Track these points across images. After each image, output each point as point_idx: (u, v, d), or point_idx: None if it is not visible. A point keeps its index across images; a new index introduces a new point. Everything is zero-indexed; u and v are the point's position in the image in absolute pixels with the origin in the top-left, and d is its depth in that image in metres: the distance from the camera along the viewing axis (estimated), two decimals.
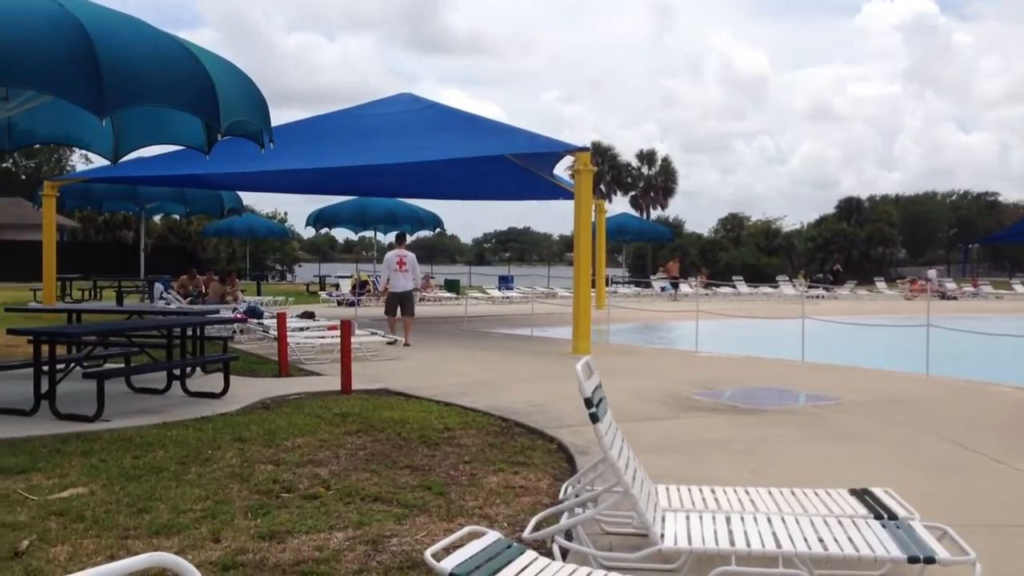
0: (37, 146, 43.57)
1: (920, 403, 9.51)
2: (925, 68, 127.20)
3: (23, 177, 62.36)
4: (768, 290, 38.74)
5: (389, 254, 15.87)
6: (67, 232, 45.04)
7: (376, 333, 13.86)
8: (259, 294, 27.32)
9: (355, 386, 9.67)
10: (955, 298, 37.37)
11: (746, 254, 62.32)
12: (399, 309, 15.22)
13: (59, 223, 26.62)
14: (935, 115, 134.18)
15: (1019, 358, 14.47)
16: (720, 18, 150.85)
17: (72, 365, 9.09)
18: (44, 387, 8.01)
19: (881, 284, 43.63)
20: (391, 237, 41.14)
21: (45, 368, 8.10)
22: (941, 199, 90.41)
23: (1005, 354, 14.91)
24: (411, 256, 15.61)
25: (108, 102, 7.72)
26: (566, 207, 16.09)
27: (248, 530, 4.78)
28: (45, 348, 8.25)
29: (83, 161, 57.34)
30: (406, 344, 14.22)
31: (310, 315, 16.46)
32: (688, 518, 4.30)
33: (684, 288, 36.62)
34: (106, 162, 12.32)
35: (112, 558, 4.32)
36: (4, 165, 59.89)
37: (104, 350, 10.07)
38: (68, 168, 59.75)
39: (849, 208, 73.78)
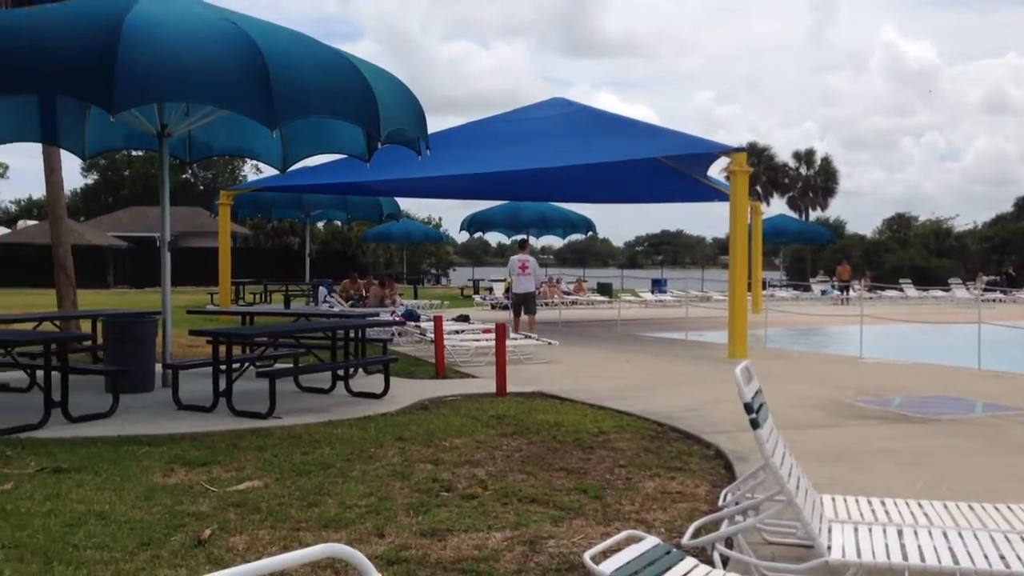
0: (213, 158, 46.31)
1: None
2: None
3: (201, 188, 66.49)
4: (939, 293, 36.68)
5: (512, 258, 17.23)
6: (240, 239, 47.68)
7: (530, 336, 13.99)
8: (416, 298, 28.07)
9: (510, 388, 9.79)
10: None
11: (914, 256, 59.19)
12: (523, 308, 16.61)
13: (232, 230, 28.20)
14: None
15: None
16: (885, 10, 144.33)
17: (246, 365, 9.61)
18: (222, 385, 8.52)
19: None
20: (544, 241, 41.56)
21: (223, 367, 8.61)
22: None
23: None
24: (532, 260, 17.03)
25: (278, 115, 8.14)
26: (720, 209, 15.81)
27: (410, 527, 4.93)
28: (223, 348, 8.77)
29: (254, 171, 60.67)
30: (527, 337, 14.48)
31: (465, 318, 16.78)
32: (856, 530, 4.13)
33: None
34: (275, 172, 13.02)
35: (285, 549, 4.54)
36: (184, 176, 64.01)
37: (274, 351, 10.60)
38: (240, 178, 63.34)
39: None
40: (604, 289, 33.96)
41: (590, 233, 34.28)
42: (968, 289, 36.11)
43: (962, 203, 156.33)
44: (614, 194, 24.77)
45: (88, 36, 7.79)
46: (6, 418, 7.59)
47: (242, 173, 65.34)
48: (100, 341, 10.72)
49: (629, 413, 8.60)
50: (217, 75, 8.08)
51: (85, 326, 12.59)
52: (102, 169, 66.40)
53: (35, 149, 14.28)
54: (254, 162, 49.23)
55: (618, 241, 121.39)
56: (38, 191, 68.97)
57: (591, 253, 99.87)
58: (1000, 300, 33.96)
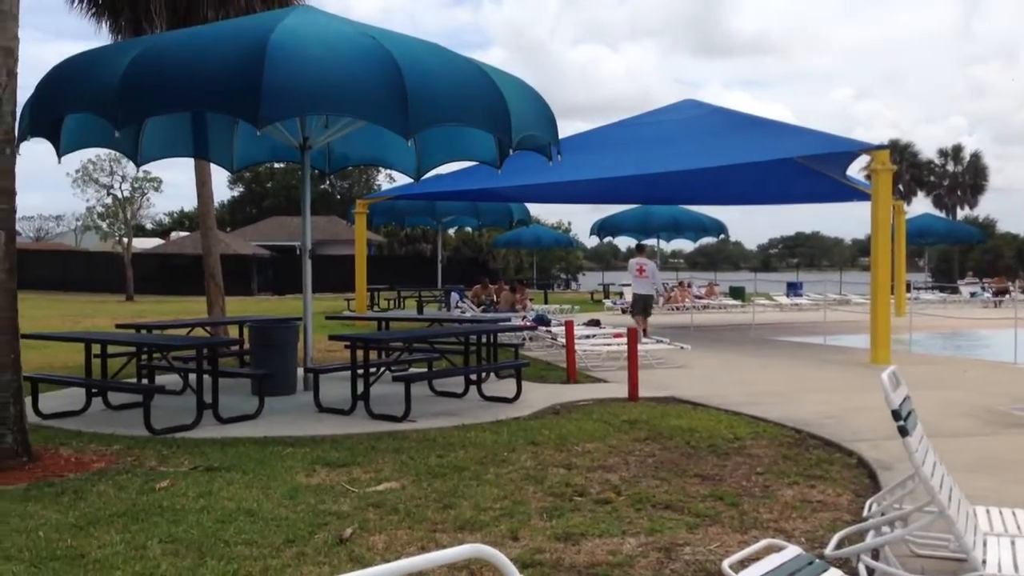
0: (350, 168, 47.78)
1: None
2: None
3: (338, 197, 68.87)
4: None
5: (631, 261, 17.99)
6: (374, 246, 49.08)
7: (661, 341, 13.85)
8: (546, 302, 28.19)
9: (642, 393, 9.71)
10: None
11: None
12: (644, 309, 17.35)
13: (367, 238, 29.04)
14: None
15: None
16: None
17: (382, 369, 9.88)
18: (359, 389, 8.79)
19: None
20: (674, 245, 41.01)
21: (360, 371, 8.88)
22: None
23: None
24: (651, 264, 17.77)
25: (413, 124, 8.34)
26: (858, 209, 15.25)
27: (544, 530, 4.95)
28: (360, 353, 9.04)
29: (387, 180, 62.39)
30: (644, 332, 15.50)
31: (596, 323, 16.74)
32: (1014, 544, 3.91)
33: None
34: (407, 180, 13.35)
35: (423, 549, 4.65)
36: (323, 187, 66.42)
37: (409, 355, 10.85)
38: (375, 187, 65.23)
39: None
40: (737, 293, 33.20)
41: (722, 236, 33.64)
42: None
43: None
44: (747, 196, 24.24)
45: (236, 55, 8.19)
46: (163, 419, 8.04)
47: (376, 182, 67.34)
48: (246, 346, 11.23)
49: (765, 419, 8.39)
50: (356, 88, 8.36)
51: (233, 332, 13.23)
52: (247, 182, 69.74)
53: (186, 164, 15.13)
54: (388, 171, 50.67)
55: (751, 244, 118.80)
56: (189, 204, 72.99)
57: (723, 256, 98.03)
58: None
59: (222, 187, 71.52)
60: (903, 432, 3.76)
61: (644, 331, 16.18)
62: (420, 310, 23.77)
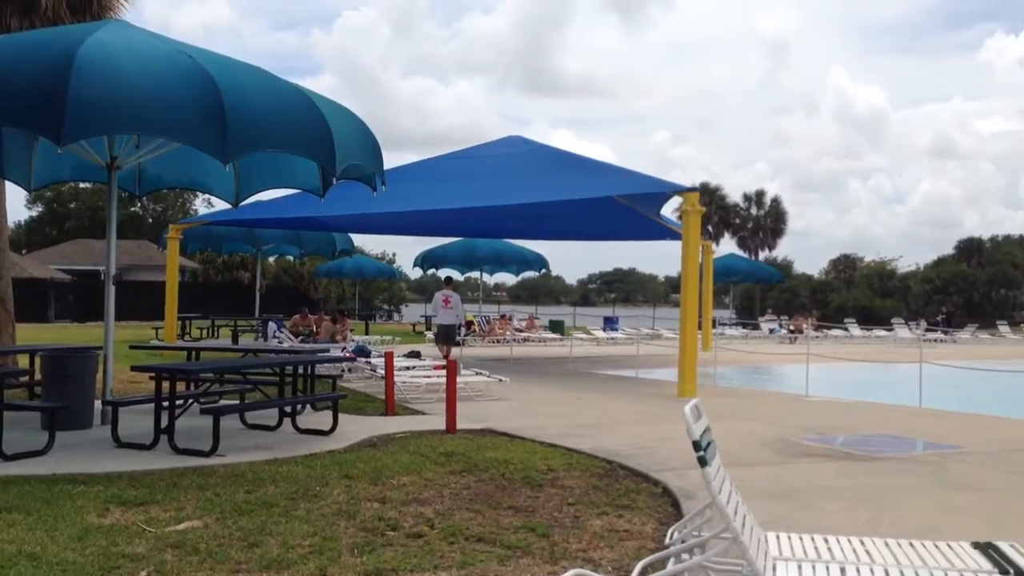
0: (164, 191, 45.79)
1: None
2: None
3: (150, 220, 65.65)
4: (882, 333, 37.39)
5: (438, 293, 19.92)
6: (188, 272, 47.06)
7: (481, 373, 13.96)
8: (367, 333, 27.89)
9: (460, 425, 9.73)
10: None
11: (859, 296, 60.44)
12: (447, 338, 19.03)
13: (181, 264, 27.85)
14: None
15: None
16: (835, 55, 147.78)
17: (190, 401, 9.44)
18: (163, 422, 8.35)
19: (1004, 328, 41.55)
20: (497, 278, 41.59)
21: (165, 403, 8.44)
22: None
23: None
24: (455, 296, 19.60)
25: (232, 149, 8.09)
26: (672, 248, 15.97)
27: (354, 567, 4.85)
28: (166, 384, 8.60)
29: (205, 205, 60.14)
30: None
31: (416, 355, 16.70)
32: (800, 568, 4.15)
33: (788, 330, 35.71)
34: (227, 206, 12.90)
35: None
36: (133, 209, 63.15)
37: (220, 387, 10.43)
38: (191, 212, 62.67)
39: (970, 249, 70.78)
40: (556, 326, 34.04)
41: (543, 270, 34.45)
42: (910, 329, 36.85)
43: (907, 245, 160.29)
44: (568, 232, 24.94)
45: (39, 67, 7.70)
46: None
47: (193, 207, 64.71)
48: (38, 377, 10.45)
49: (579, 451, 8.59)
50: (170, 108, 8.02)
51: (23, 361, 12.28)
52: (47, 201, 65.26)
53: None
54: (206, 195, 48.79)
55: (571, 278, 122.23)
56: None
57: (544, 290, 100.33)
58: (941, 340, 34.71)
59: (19, 206, 66.78)
60: (702, 462, 3.94)
61: (446, 357, 17.94)
62: (235, 340, 22.97)
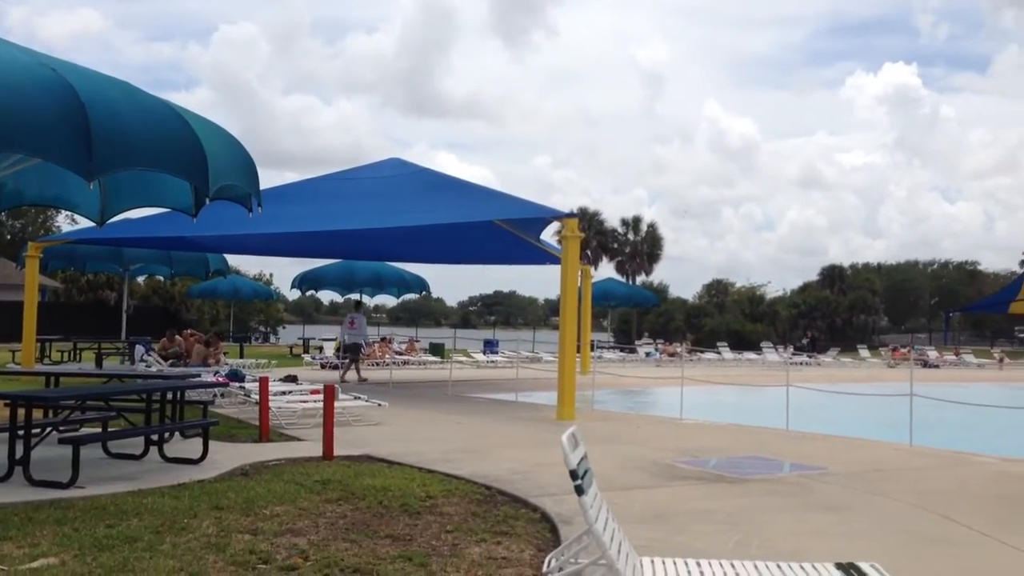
0: (24, 207, 43.51)
1: (905, 473, 9.47)
2: (909, 139, 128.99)
3: (8, 237, 62.22)
4: (752, 356, 38.80)
5: (348, 315, 22.37)
6: (49, 292, 44.77)
7: (359, 397, 13.74)
8: (242, 357, 27.10)
9: (337, 452, 9.55)
10: (937, 366, 37.50)
11: (731, 320, 62.60)
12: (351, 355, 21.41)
13: (41, 284, 26.46)
14: (920, 185, 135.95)
15: (1002, 428, 14.48)
16: (709, 87, 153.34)
17: (48, 430, 8.94)
18: (19, 452, 7.87)
19: (864, 352, 43.79)
20: (377, 300, 41.16)
21: (20, 433, 7.96)
22: (923, 268, 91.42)
23: (988, 424, 14.92)
24: (360, 318, 22.20)
25: (97, 166, 7.73)
26: (552, 272, 16.19)
27: None
28: (21, 412, 8.12)
29: (68, 222, 57.36)
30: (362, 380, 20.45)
31: (293, 378, 16.33)
32: None
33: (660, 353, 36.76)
34: (92, 223, 12.33)
35: None
36: None
37: (81, 414, 9.92)
38: (54, 229, 59.66)
39: (832, 276, 74.50)
40: (436, 349, 33.94)
41: (424, 293, 34.31)
42: (778, 353, 38.38)
43: (776, 271, 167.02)
44: (449, 255, 24.94)
45: None
46: None
47: (56, 224, 61.70)
48: None
49: (458, 476, 8.55)
50: (30, 123, 7.60)
51: None
52: None
53: None
54: (70, 213, 46.65)
55: (452, 301, 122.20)
56: None
57: (425, 313, 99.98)
58: (806, 363, 36.28)
59: None
60: (579, 491, 3.97)
61: (358, 370, 21.15)
62: (99, 364, 21.96)
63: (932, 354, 41.54)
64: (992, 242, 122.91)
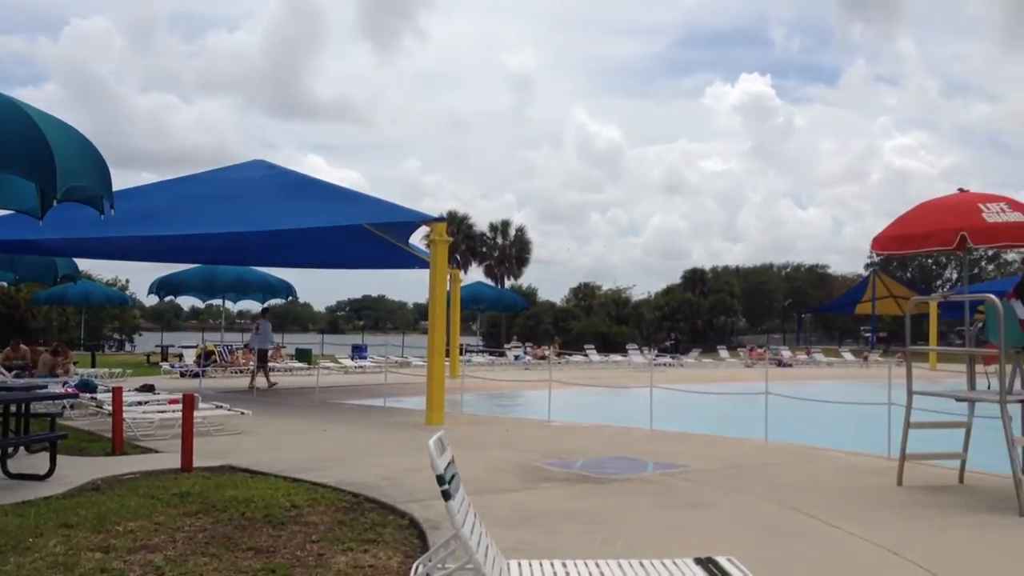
0: None
1: (761, 469, 9.87)
2: (765, 147, 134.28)
3: None
4: (618, 358, 39.70)
5: (257, 322, 23.90)
6: None
7: (221, 406, 13.31)
8: (94, 366, 25.86)
9: (196, 463, 9.22)
10: (790, 365, 39.34)
11: (597, 323, 63.83)
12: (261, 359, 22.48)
13: None
14: (775, 191, 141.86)
15: (849, 423, 15.33)
16: (576, 94, 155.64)
17: None
18: None
19: (724, 352, 45.50)
20: (241, 305, 40.01)
21: None
22: (777, 271, 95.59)
23: (836, 419, 15.75)
24: (265, 324, 23.19)
25: None
26: (421, 276, 16.13)
27: None
28: None
29: None
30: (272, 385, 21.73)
31: (150, 388, 15.68)
32: None
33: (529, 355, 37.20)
34: None
35: None
36: None
37: None
38: None
39: (694, 279, 77.09)
40: (303, 355, 33.23)
41: (291, 297, 33.53)
42: (643, 354, 39.43)
43: (640, 274, 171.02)
44: (316, 259, 24.48)
45: None
46: None
47: None
48: None
49: (324, 485, 8.39)
50: None
51: None
52: None
53: None
54: None
55: (319, 306, 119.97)
56: None
57: (291, 318, 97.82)
58: (670, 364, 37.43)
59: None
60: (446, 496, 3.95)
61: (266, 375, 22.16)
62: None
63: (786, 354, 43.53)
64: (840, 246, 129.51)
